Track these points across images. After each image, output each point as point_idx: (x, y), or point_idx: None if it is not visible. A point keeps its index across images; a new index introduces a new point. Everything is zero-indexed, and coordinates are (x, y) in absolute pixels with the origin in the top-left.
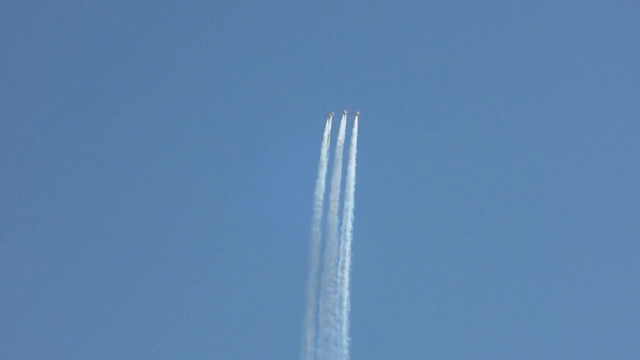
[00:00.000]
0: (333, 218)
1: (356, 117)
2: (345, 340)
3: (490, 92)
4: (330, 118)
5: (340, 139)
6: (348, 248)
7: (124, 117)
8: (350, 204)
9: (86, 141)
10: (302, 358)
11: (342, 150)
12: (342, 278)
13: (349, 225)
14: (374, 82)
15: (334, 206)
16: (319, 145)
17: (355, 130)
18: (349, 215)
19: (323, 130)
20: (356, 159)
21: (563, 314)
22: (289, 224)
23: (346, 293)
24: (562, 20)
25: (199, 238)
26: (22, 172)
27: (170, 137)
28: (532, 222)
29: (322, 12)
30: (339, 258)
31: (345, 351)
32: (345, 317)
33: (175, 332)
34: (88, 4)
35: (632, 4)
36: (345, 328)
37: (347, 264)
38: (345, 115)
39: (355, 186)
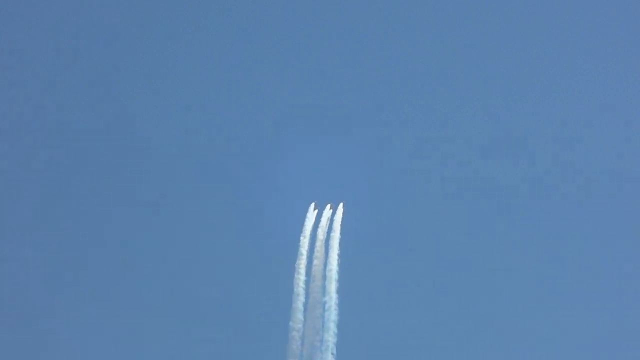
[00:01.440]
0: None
1: (340, 208)
2: None
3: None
4: (314, 210)
5: (322, 232)
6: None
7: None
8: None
9: (86, 141)
10: None
11: (323, 245)
12: None
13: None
14: (359, 175)
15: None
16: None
17: (338, 222)
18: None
19: (303, 225)
20: (338, 259)
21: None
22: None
23: None
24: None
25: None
26: (22, 172)
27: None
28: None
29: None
30: None
31: None
32: None
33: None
34: (88, 4)
35: (632, 4)
36: None
37: None
38: (330, 208)
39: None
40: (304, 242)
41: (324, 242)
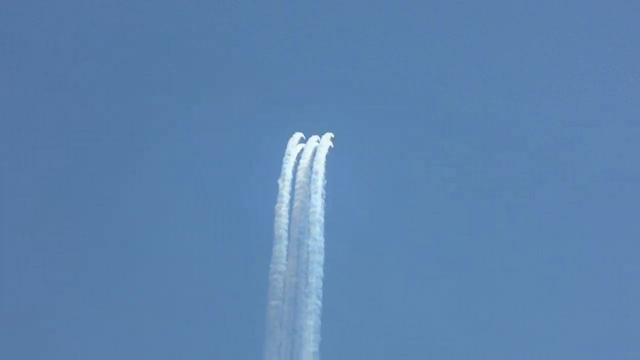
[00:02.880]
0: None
1: (325, 139)
2: None
3: (466, 114)
4: (298, 143)
5: (303, 173)
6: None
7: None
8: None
9: (85, 140)
10: None
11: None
12: None
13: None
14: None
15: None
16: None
17: (322, 158)
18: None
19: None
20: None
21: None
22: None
23: None
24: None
25: None
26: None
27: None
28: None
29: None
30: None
31: None
32: None
33: None
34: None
35: (632, 4)
36: None
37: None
38: (317, 141)
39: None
40: (285, 184)
41: (307, 183)
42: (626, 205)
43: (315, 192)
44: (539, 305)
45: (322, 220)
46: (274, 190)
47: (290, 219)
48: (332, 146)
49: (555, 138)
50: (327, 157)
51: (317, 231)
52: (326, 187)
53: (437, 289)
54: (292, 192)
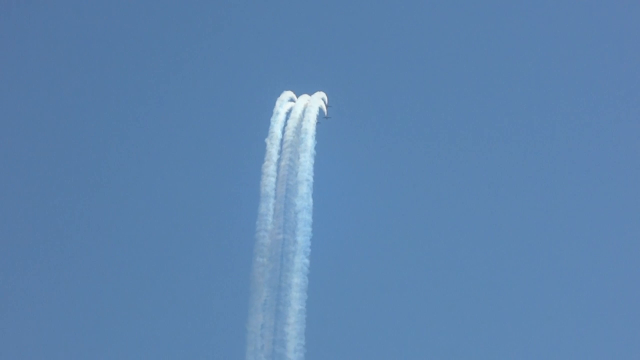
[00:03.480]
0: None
1: (316, 98)
2: None
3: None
4: (288, 101)
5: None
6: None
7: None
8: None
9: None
10: None
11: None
12: None
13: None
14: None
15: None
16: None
17: (313, 114)
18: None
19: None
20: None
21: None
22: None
23: None
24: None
25: None
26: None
27: None
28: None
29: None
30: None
31: None
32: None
33: None
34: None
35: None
36: None
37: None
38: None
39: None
40: (273, 143)
41: (296, 143)
42: (626, 205)
43: (305, 152)
44: (532, 304)
45: (311, 179)
46: (262, 150)
47: (277, 177)
48: (327, 115)
49: (554, 138)
50: (318, 118)
51: (305, 190)
52: (317, 148)
53: (425, 251)
54: (281, 152)
